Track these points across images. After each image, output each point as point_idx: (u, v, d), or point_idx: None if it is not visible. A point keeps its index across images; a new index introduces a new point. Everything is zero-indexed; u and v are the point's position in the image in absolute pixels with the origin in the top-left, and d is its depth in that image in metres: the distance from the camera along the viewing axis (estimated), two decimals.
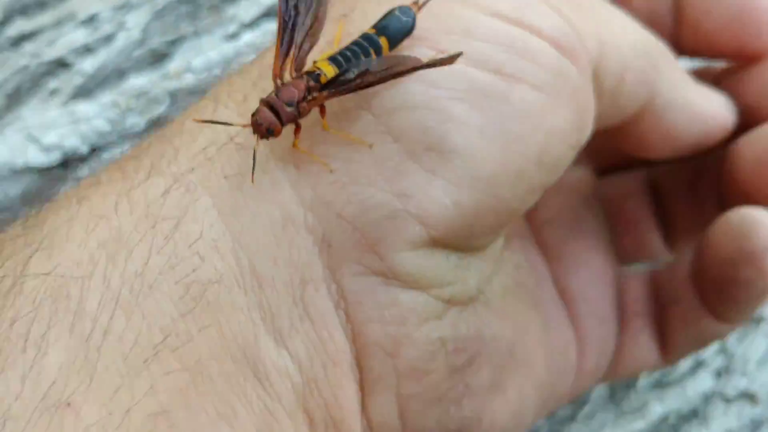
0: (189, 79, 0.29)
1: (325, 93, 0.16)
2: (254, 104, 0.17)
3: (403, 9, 0.17)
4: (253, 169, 0.16)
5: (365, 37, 0.17)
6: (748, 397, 0.32)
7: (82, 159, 0.29)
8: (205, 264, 0.16)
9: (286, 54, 0.17)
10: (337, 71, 0.17)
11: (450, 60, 0.16)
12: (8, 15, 0.31)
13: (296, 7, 0.17)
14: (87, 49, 0.30)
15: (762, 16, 0.23)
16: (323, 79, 0.17)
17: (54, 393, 0.14)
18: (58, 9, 0.31)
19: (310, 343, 0.17)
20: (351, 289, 0.17)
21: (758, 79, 0.23)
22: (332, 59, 0.17)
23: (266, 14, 0.31)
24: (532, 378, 0.21)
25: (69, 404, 0.14)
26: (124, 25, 0.30)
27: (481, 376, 0.19)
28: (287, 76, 0.17)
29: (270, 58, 0.18)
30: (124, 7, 0.31)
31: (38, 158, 0.29)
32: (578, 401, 0.31)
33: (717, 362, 0.32)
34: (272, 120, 0.16)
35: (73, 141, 0.29)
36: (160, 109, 0.29)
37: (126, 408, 0.14)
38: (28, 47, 0.31)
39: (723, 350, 0.32)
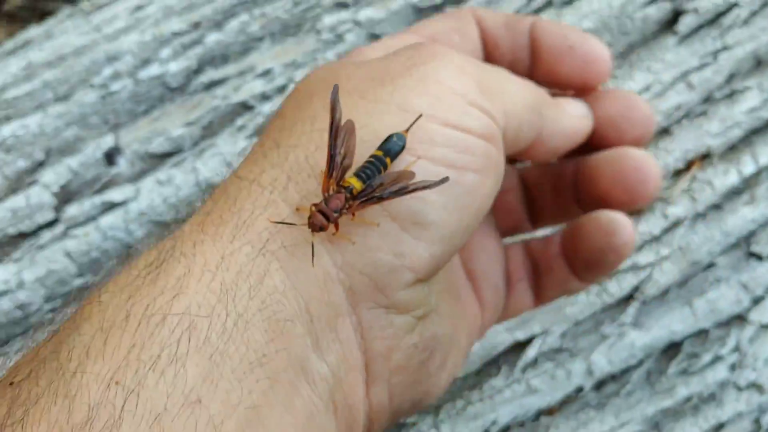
0: None
1: (356, 202, 0.23)
2: (293, 192, 0.23)
3: (398, 135, 0.23)
4: (312, 256, 0.22)
5: (375, 157, 0.23)
6: (757, 387, 0.39)
7: None
8: (281, 307, 0.21)
9: (331, 175, 0.23)
10: (362, 185, 0.23)
11: (442, 182, 0.22)
12: (201, 65, 0.41)
13: (335, 142, 0.23)
14: (264, 96, 0.40)
15: (600, 63, 0.31)
16: (354, 191, 0.23)
17: (192, 394, 0.19)
18: (240, 63, 0.41)
19: (339, 357, 0.23)
20: (365, 319, 0.23)
21: (601, 109, 0.31)
22: (357, 175, 0.23)
23: None
24: (459, 352, 0.29)
25: (200, 401, 0.19)
26: (292, 79, 0.40)
27: (435, 363, 0.26)
28: (331, 190, 0.23)
29: (292, 152, 0.24)
30: (292, 65, 0.40)
31: None
32: (621, 381, 0.39)
33: (732, 358, 0.39)
34: (324, 222, 0.22)
35: None
36: None
37: (235, 404, 0.19)
38: (219, 91, 0.40)
39: (737, 349, 0.39)
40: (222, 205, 0.23)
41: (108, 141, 0.40)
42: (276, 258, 0.22)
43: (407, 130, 0.23)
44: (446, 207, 0.23)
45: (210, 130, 0.40)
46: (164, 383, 0.19)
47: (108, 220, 0.38)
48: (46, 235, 0.39)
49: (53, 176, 0.40)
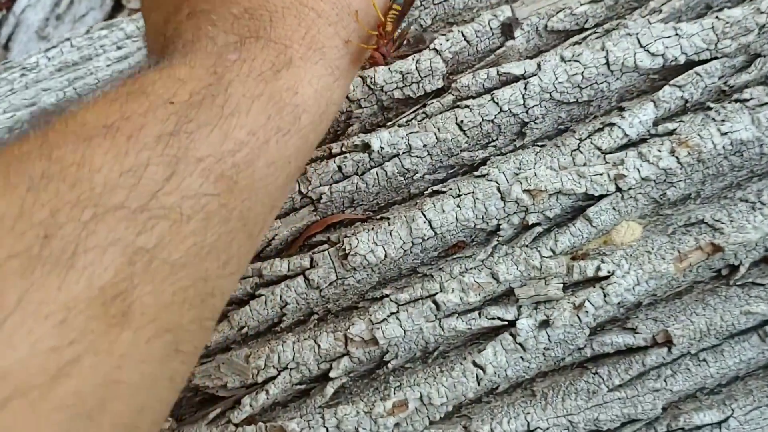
0: None
1: (394, 46, 0.32)
2: (341, 29, 0.31)
3: None
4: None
5: (396, 11, 0.32)
6: None
7: (677, 68, 0.37)
8: (335, 98, 0.31)
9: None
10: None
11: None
12: None
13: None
14: None
15: None
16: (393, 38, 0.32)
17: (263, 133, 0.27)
18: None
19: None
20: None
21: None
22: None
23: None
24: None
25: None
26: None
27: None
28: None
29: (325, 3, 0.30)
30: None
31: (644, 61, 0.36)
32: None
33: None
34: (382, 61, 0.32)
35: (674, 52, 0.36)
36: (749, 38, 0.36)
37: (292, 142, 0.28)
38: None
39: None
40: (297, 30, 0.30)
41: (505, 12, 0.38)
42: (341, 72, 0.31)
43: None
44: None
45: (615, 11, 0.38)
46: (240, 125, 0.26)
47: (505, 93, 0.37)
48: (434, 104, 0.38)
49: (445, 43, 0.38)
